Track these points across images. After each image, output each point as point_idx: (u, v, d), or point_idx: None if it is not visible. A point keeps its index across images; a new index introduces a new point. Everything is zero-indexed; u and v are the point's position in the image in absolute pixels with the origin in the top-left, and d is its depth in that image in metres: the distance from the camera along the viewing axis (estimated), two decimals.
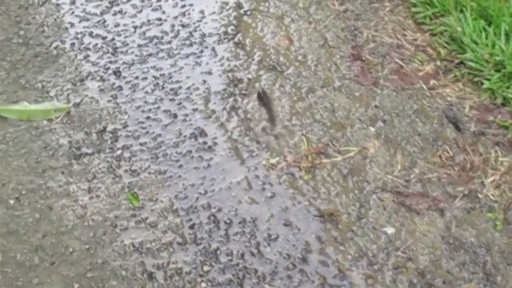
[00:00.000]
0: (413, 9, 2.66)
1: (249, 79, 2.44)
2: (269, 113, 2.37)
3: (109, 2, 2.72)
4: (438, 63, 2.51)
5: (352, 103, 2.37)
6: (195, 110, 2.37)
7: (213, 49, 2.57)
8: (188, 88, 2.43)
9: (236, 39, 2.60)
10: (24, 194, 2.13)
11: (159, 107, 2.37)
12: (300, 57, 2.53)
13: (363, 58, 2.52)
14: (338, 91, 2.41)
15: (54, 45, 2.57)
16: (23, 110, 2.36)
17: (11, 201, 2.11)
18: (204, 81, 2.46)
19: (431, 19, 2.62)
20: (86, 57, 2.53)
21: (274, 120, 2.34)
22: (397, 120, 2.32)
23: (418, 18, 2.65)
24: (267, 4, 2.71)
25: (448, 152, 2.24)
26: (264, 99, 2.39)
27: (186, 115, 2.35)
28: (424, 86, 2.43)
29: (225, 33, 2.63)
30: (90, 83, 2.45)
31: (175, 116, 2.34)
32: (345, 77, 2.46)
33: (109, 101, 2.39)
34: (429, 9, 2.63)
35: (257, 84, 2.45)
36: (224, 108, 2.37)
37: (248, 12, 2.70)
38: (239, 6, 2.73)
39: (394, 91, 2.42)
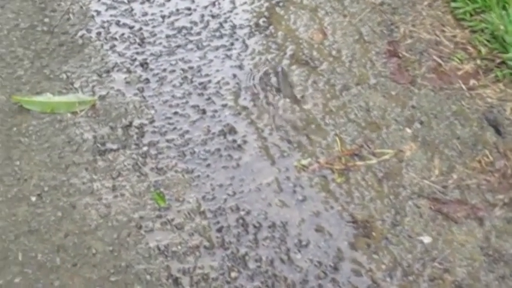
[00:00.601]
0: (453, 5, 2.54)
1: (279, 74, 2.33)
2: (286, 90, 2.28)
3: None
4: (478, 62, 2.39)
5: (388, 102, 2.27)
6: (224, 105, 2.28)
7: (244, 42, 2.47)
8: (218, 82, 2.34)
9: (268, 32, 2.50)
10: (46, 190, 2.05)
11: (187, 102, 2.28)
12: (334, 53, 2.42)
13: (400, 55, 2.41)
14: (373, 89, 2.31)
15: (79, 34, 2.48)
16: (47, 102, 2.28)
17: (33, 198, 2.04)
18: (234, 76, 2.37)
19: (471, 15, 2.50)
20: (112, 47, 2.45)
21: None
22: (435, 122, 2.21)
23: (458, 14, 2.53)
24: None
25: (488, 157, 2.14)
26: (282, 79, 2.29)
27: (215, 111, 2.26)
28: (464, 86, 2.31)
29: (257, 25, 2.53)
30: (116, 75, 2.36)
31: (203, 111, 2.25)
32: (380, 74, 2.35)
33: (135, 95, 2.30)
34: (469, 4, 2.51)
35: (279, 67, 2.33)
36: (255, 105, 2.27)
37: (280, 4, 2.60)
38: None
39: (432, 91, 2.31)
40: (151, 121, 2.23)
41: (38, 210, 2.01)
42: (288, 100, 2.29)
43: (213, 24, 2.52)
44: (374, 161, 2.13)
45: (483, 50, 2.42)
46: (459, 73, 2.36)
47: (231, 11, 2.57)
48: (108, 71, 2.37)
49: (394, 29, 2.51)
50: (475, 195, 2.06)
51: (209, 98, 2.29)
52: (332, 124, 2.23)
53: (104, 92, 2.30)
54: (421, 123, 2.22)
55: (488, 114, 2.24)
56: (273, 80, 2.34)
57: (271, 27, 2.52)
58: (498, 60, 2.37)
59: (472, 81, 2.35)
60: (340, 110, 2.26)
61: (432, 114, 2.25)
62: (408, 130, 2.21)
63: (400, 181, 2.09)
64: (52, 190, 2.05)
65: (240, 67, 2.39)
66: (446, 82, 2.33)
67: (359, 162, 2.13)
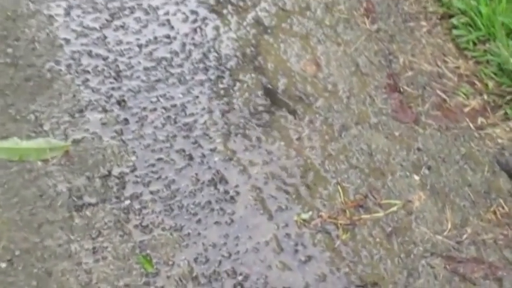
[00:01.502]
0: (455, 32, 2.36)
1: (272, 112, 2.12)
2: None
3: (109, 15, 2.37)
4: (485, 97, 2.23)
5: (391, 144, 2.08)
6: (213, 150, 2.06)
7: (231, 75, 2.24)
8: (204, 123, 2.12)
9: (257, 63, 2.29)
10: (17, 255, 1.82)
11: (171, 146, 2.06)
12: (329, 87, 2.22)
13: (401, 89, 2.22)
14: (375, 129, 2.12)
15: (47, 66, 2.23)
16: (14, 148, 2.03)
17: (3, 265, 1.81)
18: (223, 114, 2.14)
19: (475, 44, 2.32)
20: (85, 82, 2.20)
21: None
22: (444, 167, 2.04)
23: (461, 43, 2.34)
24: (289, 21, 2.39)
25: (503, 207, 1.97)
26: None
27: (203, 156, 2.05)
28: (471, 125, 2.14)
29: (244, 55, 2.31)
30: (90, 115, 2.12)
31: (190, 157, 2.04)
32: (381, 112, 2.16)
33: (113, 138, 2.06)
34: (472, 32, 2.33)
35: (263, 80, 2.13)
36: (246, 149, 2.05)
37: (268, 30, 2.37)
38: (258, 22, 2.40)
39: (437, 130, 2.13)
40: (133, 169, 2.00)
41: (9, 278, 1.79)
42: (282, 143, 2.07)
43: (196, 55, 2.30)
44: (381, 213, 1.94)
45: (490, 84, 2.25)
46: (465, 110, 2.19)
47: (214, 39, 2.35)
48: (81, 111, 2.12)
49: (392, 59, 2.32)
50: (492, 252, 1.90)
51: (196, 142, 2.07)
52: (333, 171, 2.03)
53: (77, 136, 2.06)
54: (429, 168, 2.04)
55: (500, 158, 2.08)
56: (266, 118, 2.12)
57: (259, 57, 2.31)
58: (508, 97, 2.19)
59: (480, 120, 2.18)
60: (341, 154, 2.07)
61: (440, 157, 2.06)
62: (416, 177, 2.02)
63: (410, 237, 1.90)
64: (24, 254, 1.82)
65: (229, 104, 2.17)
66: (453, 120, 2.16)
67: (365, 216, 1.94)
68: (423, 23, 2.47)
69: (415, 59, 2.35)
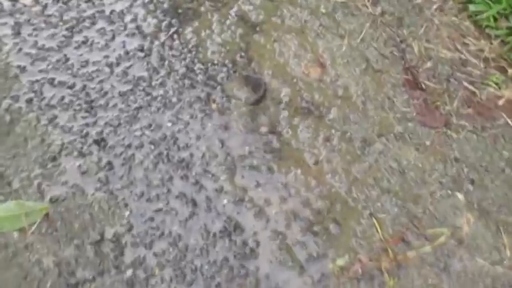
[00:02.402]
0: (471, 8, 2.02)
1: (280, 133, 1.79)
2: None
3: (67, 29, 1.99)
4: None
5: (424, 158, 1.78)
6: (218, 190, 1.74)
7: (223, 90, 1.89)
8: (203, 156, 1.77)
9: (250, 71, 1.93)
10: None
11: (169, 191, 1.73)
12: (340, 91, 1.89)
13: (422, 85, 1.90)
14: (402, 140, 1.81)
15: (3, 105, 1.85)
16: None
17: None
18: (222, 143, 1.80)
19: (495, 20, 1.99)
20: (53, 120, 1.84)
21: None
22: (488, 178, 1.75)
23: (480, 20, 2.01)
24: (279, 13, 2.03)
25: None
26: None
27: (209, 200, 1.72)
28: (510, 121, 1.83)
29: (234, 62, 1.96)
30: (66, 162, 1.76)
31: (194, 203, 1.71)
32: (405, 116, 1.85)
33: (98, 189, 1.72)
34: (492, 6, 1.99)
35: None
36: (258, 184, 1.72)
37: (257, 28, 2.01)
38: (243, 19, 2.04)
39: (473, 133, 1.84)
40: (129, 228, 1.66)
41: None
42: (299, 171, 1.75)
43: (178, 68, 1.93)
44: (428, 247, 1.66)
45: None
46: (499, 102, 1.89)
47: (196, 46, 1.98)
48: (54, 158, 1.77)
49: (405, 48, 1.99)
50: None
51: (197, 182, 1.74)
52: (362, 199, 1.73)
53: (55, 192, 1.71)
54: (472, 182, 1.75)
55: None
56: (273, 142, 1.79)
57: (253, 63, 1.96)
58: None
59: None
60: (368, 177, 1.76)
61: (481, 167, 1.77)
62: (459, 195, 1.73)
63: (466, 272, 1.61)
64: None
65: (227, 128, 1.82)
66: (488, 118, 1.86)
67: (410, 253, 1.64)
68: None
69: (431, 45, 2.02)
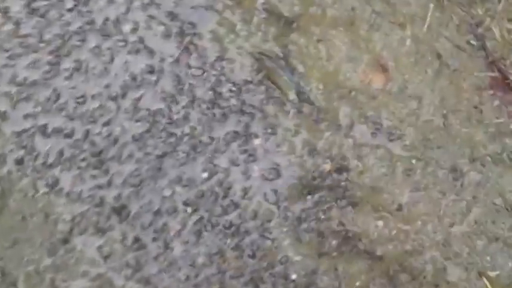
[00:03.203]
0: None
1: (347, 170, 1.39)
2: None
3: (51, 52, 1.54)
4: None
5: None
6: (283, 262, 1.33)
7: (265, 117, 1.46)
8: (255, 216, 1.36)
9: (295, 86, 1.50)
10: None
11: (220, 272, 1.32)
12: (413, 104, 1.48)
13: None
14: (502, 165, 1.42)
15: None
16: None
17: None
18: (275, 192, 1.39)
19: None
20: (54, 185, 1.45)
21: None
22: None
23: None
24: (318, 1, 1.56)
25: None
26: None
27: (273, 276, 1.32)
28: None
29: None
30: (81, 244, 1.38)
31: (255, 285, 1.31)
32: (499, 130, 1.44)
33: (129, 278, 1.32)
34: None
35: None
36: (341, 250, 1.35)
37: (294, 25, 1.56)
38: (274, 13, 1.57)
39: None
40: None
41: None
42: (381, 223, 1.36)
43: (202, 93, 1.49)
44: None
45: None
46: None
47: (220, 59, 1.53)
48: (65, 240, 1.42)
49: (484, 33, 1.56)
50: None
51: (254, 254, 1.33)
52: (466, 252, 1.35)
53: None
54: None
55: None
56: (342, 184, 1.39)
57: (296, 76, 1.51)
58: None
59: None
60: (472, 223, 1.36)
61: None
62: None
63: None
64: None
65: (278, 173, 1.41)
66: None
67: None
68: None
69: None
